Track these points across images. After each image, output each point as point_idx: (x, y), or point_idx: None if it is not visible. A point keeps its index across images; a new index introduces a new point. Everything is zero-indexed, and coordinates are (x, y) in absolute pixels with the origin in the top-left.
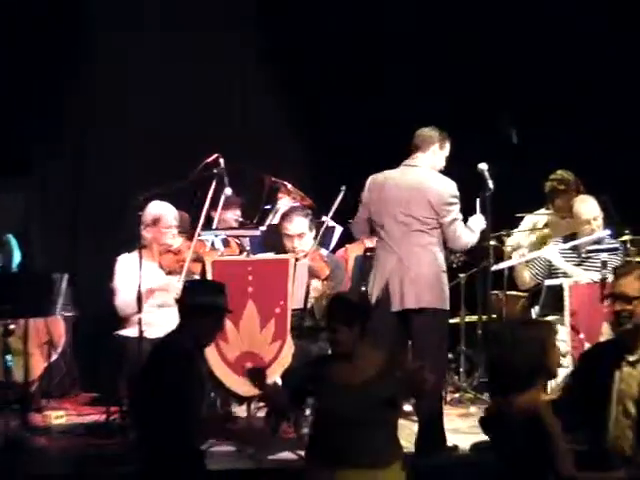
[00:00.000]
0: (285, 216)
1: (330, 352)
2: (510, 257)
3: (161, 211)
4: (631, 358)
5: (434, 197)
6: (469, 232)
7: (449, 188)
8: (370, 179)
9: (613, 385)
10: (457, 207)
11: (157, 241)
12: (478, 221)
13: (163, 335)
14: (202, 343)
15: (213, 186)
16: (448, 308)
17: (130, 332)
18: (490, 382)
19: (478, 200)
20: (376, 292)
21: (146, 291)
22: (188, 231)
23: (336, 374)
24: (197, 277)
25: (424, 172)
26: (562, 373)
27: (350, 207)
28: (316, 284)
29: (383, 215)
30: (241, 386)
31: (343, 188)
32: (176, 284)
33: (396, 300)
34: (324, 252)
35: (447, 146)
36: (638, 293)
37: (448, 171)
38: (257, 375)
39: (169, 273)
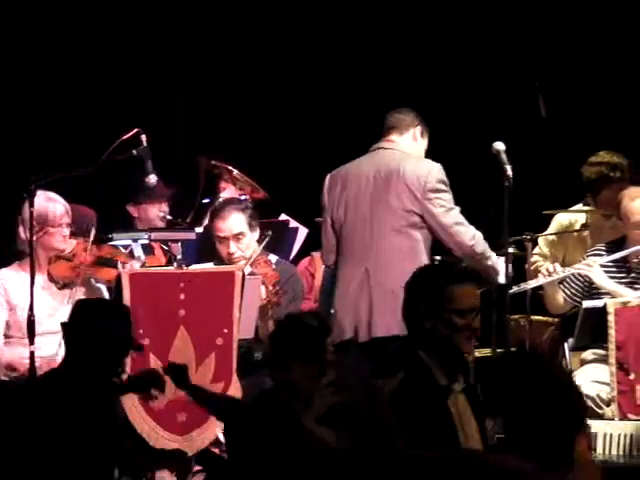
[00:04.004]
0: (215, 213)
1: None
2: (537, 271)
3: (48, 205)
4: None
5: (414, 181)
6: (478, 232)
7: (434, 171)
8: (328, 177)
9: None
10: (449, 195)
11: (43, 246)
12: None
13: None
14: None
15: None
16: None
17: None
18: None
19: (492, 192)
20: (345, 321)
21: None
22: (95, 234)
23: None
24: (103, 287)
25: (398, 153)
26: (604, 426)
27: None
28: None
29: (346, 215)
30: (170, 445)
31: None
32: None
33: (363, 327)
34: (273, 258)
35: (427, 137)
36: None
37: (450, 151)
38: (178, 372)
39: (64, 286)
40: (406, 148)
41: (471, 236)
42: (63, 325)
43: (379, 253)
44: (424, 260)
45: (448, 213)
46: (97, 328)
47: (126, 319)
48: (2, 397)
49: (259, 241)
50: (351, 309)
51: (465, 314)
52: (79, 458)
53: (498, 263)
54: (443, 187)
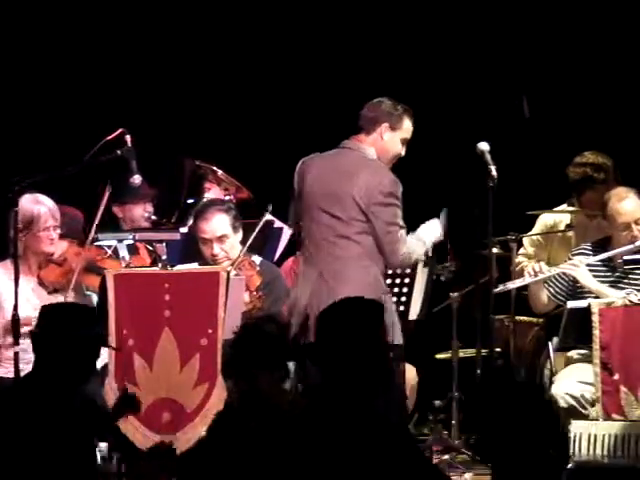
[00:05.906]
0: (199, 214)
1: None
2: (522, 270)
3: (34, 208)
4: None
5: (360, 192)
6: (413, 245)
7: (385, 183)
8: (300, 162)
9: None
10: (394, 210)
11: (32, 249)
12: (431, 230)
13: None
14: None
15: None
16: (399, 341)
17: (2, 371)
18: None
19: (476, 192)
20: (295, 321)
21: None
22: (80, 234)
23: None
24: (94, 294)
25: (359, 158)
26: (589, 426)
27: None
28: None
29: (305, 212)
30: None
31: (269, 208)
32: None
33: (312, 329)
34: (257, 259)
35: (405, 125)
36: None
37: (434, 151)
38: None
39: (54, 291)
40: (370, 151)
41: (400, 260)
42: (31, 333)
43: (331, 259)
44: (375, 264)
45: (387, 231)
46: (63, 332)
47: (92, 319)
48: None
49: (243, 242)
50: (305, 311)
51: None
52: (52, 467)
53: (419, 245)
54: (390, 201)
